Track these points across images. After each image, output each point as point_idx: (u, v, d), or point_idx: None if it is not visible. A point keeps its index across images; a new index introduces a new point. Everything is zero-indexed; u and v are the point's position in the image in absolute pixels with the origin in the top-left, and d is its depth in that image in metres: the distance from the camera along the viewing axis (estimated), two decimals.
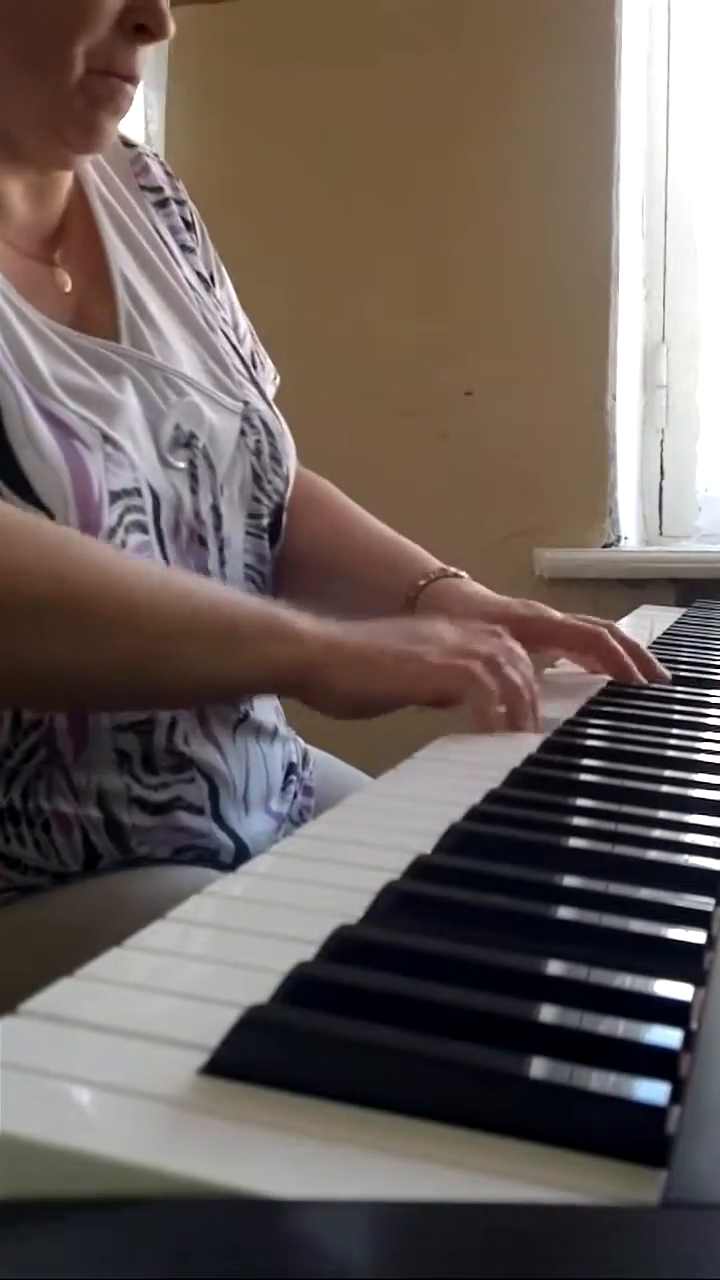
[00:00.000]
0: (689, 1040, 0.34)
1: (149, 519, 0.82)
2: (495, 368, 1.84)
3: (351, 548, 1.03)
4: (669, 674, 0.93)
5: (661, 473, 1.96)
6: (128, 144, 0.98)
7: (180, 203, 0.99)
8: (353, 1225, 0.28)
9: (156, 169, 0.99)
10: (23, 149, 0.84)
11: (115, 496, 0.80)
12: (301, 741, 0.99)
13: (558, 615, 0.94)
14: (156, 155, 1.00)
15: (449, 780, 0.65)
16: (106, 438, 0.80)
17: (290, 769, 0.95)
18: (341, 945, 0.40)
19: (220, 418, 0.89)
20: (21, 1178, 0.30)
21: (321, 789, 0.99)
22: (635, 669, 0.91)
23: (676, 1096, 0.31)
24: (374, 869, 0.48)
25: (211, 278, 0.99)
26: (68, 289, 0.87)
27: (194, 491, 0.86)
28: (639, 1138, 0.30)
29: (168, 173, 1.00)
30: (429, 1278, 0.25)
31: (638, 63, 1.88)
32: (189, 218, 1.00)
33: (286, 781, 0.94)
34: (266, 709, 0.92)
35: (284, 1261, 0.26)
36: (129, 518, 0.81)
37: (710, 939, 0.42)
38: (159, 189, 0.98)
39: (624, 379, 1.84)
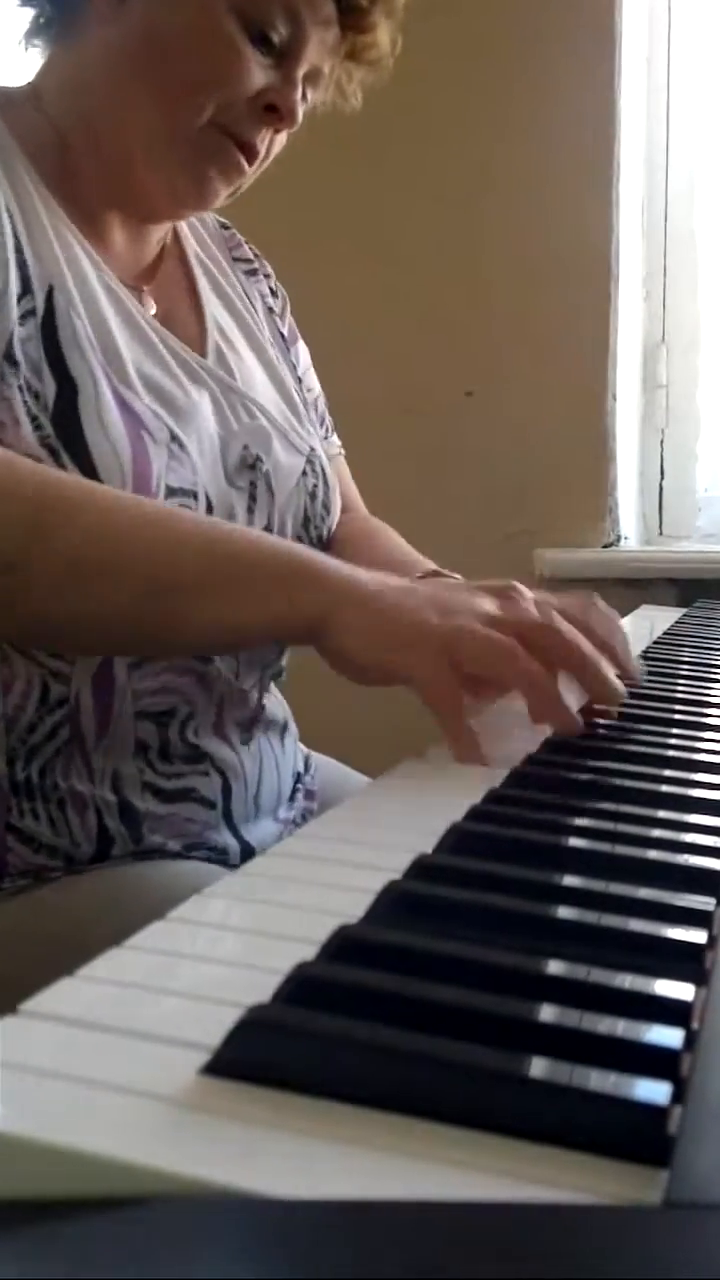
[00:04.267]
0: (690, 1040, 0.34)
1: None
2: (495, 368, 1.84)
3: (356, 555, 1.05)
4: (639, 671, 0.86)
5: (661, 472, 1.96)
6: (224, 225, 1.07)
7: (267, 275, 1.07)
8: (352, 1225, 0.28)
9: (246, 246, 1.08)
10: (138, 195, 0.89)
11: (171, 492, 0.83)
12: (304, 747, 1.00)
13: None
14: (246, 240, 1.08)
15: (449, 780, 0.65)
16: (174, 436, 0.84)
17: (296, 776, 0.97)
18: (342, 945, 0.40)
19: (286, 454, 0.93)
20: (21, 1178, 0.30)
21: (323, 792, 1.00)
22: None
23: (678, 1096, 0.31)
24: (374, 869, 0.48)
25: (288, 339, 1.06)
26: (153, 312, 0.91)
27: (251, 511, 0.89)
28: (640, 1138, 0.30)
29: (256, 253, 1.08)
30: (429, 1277, 0.25)
31: (638, 63, 1.88)
32: (274, 288, 1.08)
33: (293, 791, 0.95)
34: (278, 709, 0.94)
35: (284, 1261, 0.26)
36: None
37: (711, 939, 0.42)
38: (249, 261, 1.06)
39: (624, 379, 1.84)
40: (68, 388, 0.79)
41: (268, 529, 0.90)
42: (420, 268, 1.87)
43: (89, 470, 0.78)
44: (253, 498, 0.90)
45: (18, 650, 0.80)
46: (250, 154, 0.88)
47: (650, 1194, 0.29)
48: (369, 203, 1.88)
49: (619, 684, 0.73)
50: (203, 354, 0.92)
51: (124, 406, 0.81)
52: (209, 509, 0.86)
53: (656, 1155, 0.30)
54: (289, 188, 1.91)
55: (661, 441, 1.95)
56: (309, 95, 0.90)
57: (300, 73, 0.87)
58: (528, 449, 1.82)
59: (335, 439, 1.13)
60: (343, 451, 1.14)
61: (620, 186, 1.80)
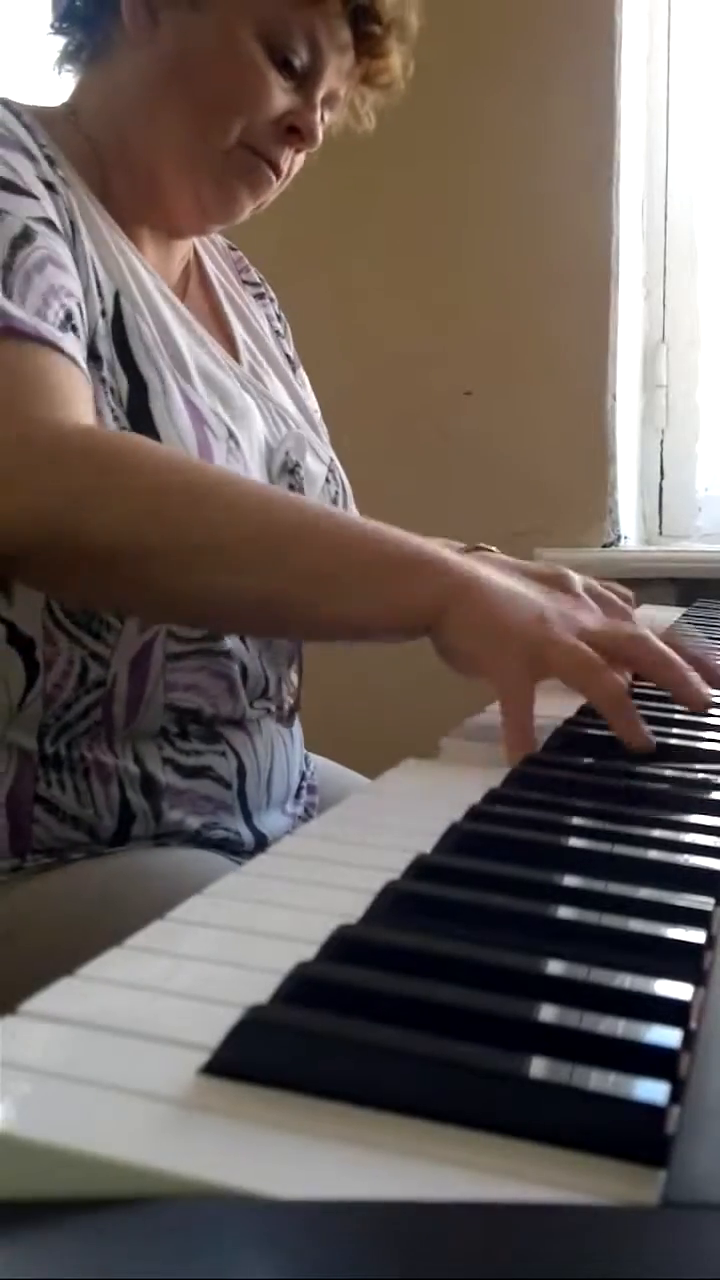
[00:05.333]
0: (689, 1040, 0.34)
1: None
2: (495, 368, 1.84)
3: None
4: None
5: (661, 472, 1.96)
6: (232, 247, 1.12)
7: (272, 300, 1.12)
8: (352, 1225, 0.28)
9: (253, 269, 1.13)
10: (167, 210, 0.93)
11: None
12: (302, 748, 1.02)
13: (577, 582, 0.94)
14: (250, 265, 1.14)
15: (448, 780, 0.65)
16: (231, 434, 0.89)
17: (301, 774, 1.00)
18: (341, 945, 0.40)
19: (314, 462, 0.99)
20: (21, 1178, 0.30)
21: (322, 791, 1.02)
22: None
23: (676, 1096, 0.31)
24: (374, 869, 0.48)
25: (294, 361, 1.11)
26: None
27: None
28: (639, 1137, 0.30)
29: (260, 278, 1.14)
30: (428, 1277, 0.25)
31: (638, 63, 1.88)
32: (279, 313, 1.14)
33: (299, 787, 0.97)
34: (288, 701, 0.97)
35: (283, 1261, 0.26)
36: None
37: (710, 939, 0.42)
38: (257, 284, 1.11)
39: (624, 379, 1.84)
40: (138, 384, 0.83)
41: None
42: (420, 267, 1.87)
43: None
44: None
45: (62, 630, 0.82)
46: (276, 171, 0.93)
47: (648, 1194, 0.29)
48: (368, 202, 1.88)
49: (706, 691, 0.74)
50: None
51: (189, 404, 0.85)
52: None
53: (654, 1155, 0.30)
54: (287, 192, 1.91)
55: (661, 441, 1.95)
56: (326, 117, 0.94)
57: (320, 95, 0.92)
58: (528, 449, 1.83)
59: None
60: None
61: (620, 186, 1.80)
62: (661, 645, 0.73)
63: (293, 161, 0.94)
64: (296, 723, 0.99)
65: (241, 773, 0.89)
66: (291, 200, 1.86)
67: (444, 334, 1.86)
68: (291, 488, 0.94)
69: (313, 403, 1.13)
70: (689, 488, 1.95)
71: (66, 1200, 0.29)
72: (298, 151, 0.94)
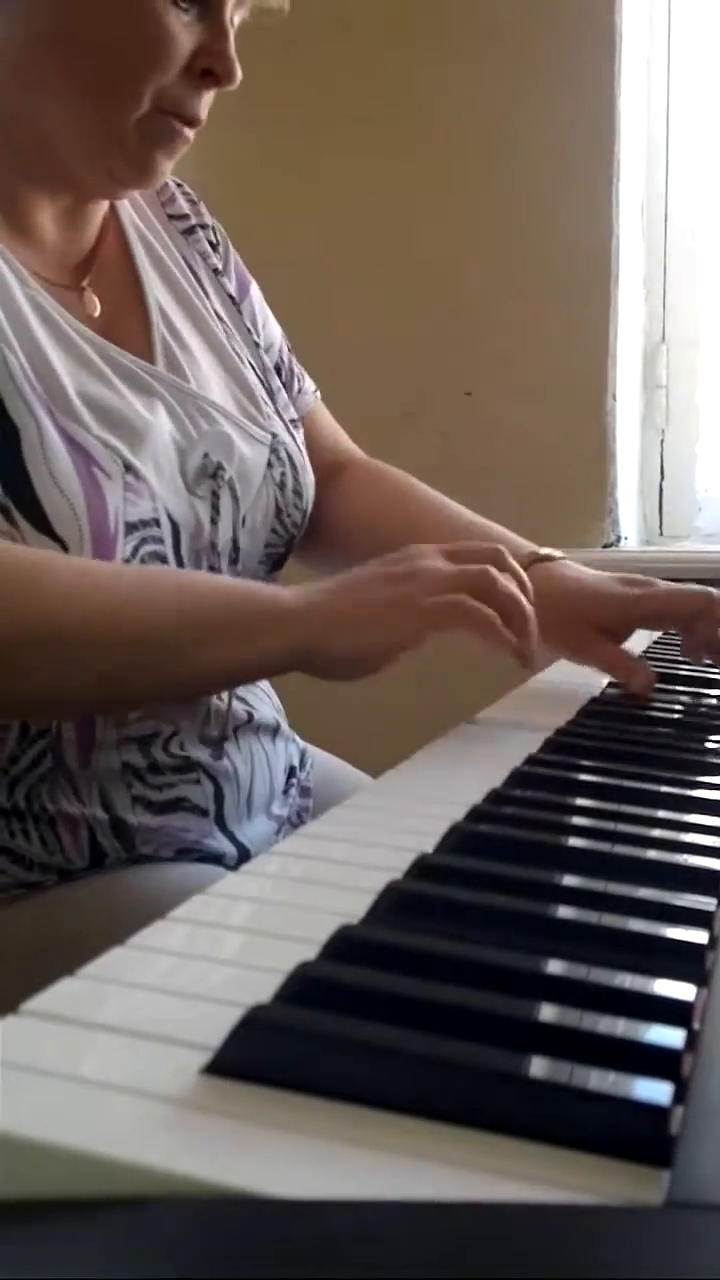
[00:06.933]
0: (691, 1040, 0.34)
1: (168, 549, 0.82)
2: (495, 368, 1.84)
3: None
4: None
5: (661, 473, 1.96)
6: None
7: (204, 226, 0.99)
8: (353, 1225, 0.27)
9: (180, 196, 0.99)
10: (68, 176, 0.83)
11: (132, 528, 0.79)
12: (300, 741, 0.99)
13: (662, 586, 0.97)
14: (179, 182, 1.00)
15: (450, 779, 0.65)
16: (128, 466, 0.79)
17: (290, 771, 0.95)
18: (343, 945, 0.40)
19: (250, 449, 0.89)
20: (21, 1178, 0.30)
21: (321, 789, 0.99)
22: None
23: (679, 1097, 0.31)
24: (375, 869, 0.48)
25: (237, 295, 0.99)
26: (96, 313, 0.86)
27: (214, 522, 0.86)
28: (642, 1138, 0.30)
29: (190, 199, 1.00)
30: (430, 1277, 0.25)
31: (638, 63, 1.88)
32: (214, 239, 1.00)
33: (287, 785, 0.94)
34: (267, 709, 0.92)
35: (284, 1261, 0.26)
36: (145, 548, 0.80)
37: (712, 939, 0.42)
38: (185, 216, 0.98)
39: (624, 379, 1.84)
40: (8, 433, 0.74)
41: (233, 539, 0.87)
42: (420, 267, 1.87)
43: (43, 524, 0.74)
44: (215, 508, 0.86)
45: None
46: (195, 124, 0.83)
47: (652, 1194, 0.29)
48: (368, 203, 1.88)
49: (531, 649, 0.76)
50: (150, 358, 0.86)
51: (71, 444, 0.76)
52: (174, 530, 0.82)
53: (658, 1155, 0.30)
54: (288, 187, 1.91)
55: (661, 441, 1.95)
56: (236, 19, 0.83)
57: (228, 13, 0.81)
58: (528, 449, 1.82)
59: (309, 383, 1.06)
60: (318, 393, 1.08)
61: (620, 186, 1.80)
62: (511, 588, 0.75)
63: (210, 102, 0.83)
64: (282, 728, 0.94)
65: (219, 797, 0.85)
66: (290, 197, 1.86)
67: (444, 334, 1.86)
68: (215, 493, 0.85)
69: (270, 332, 1.02)
70: (689, 488, 1.95)
71: (66, 1200, 0.29)
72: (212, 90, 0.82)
